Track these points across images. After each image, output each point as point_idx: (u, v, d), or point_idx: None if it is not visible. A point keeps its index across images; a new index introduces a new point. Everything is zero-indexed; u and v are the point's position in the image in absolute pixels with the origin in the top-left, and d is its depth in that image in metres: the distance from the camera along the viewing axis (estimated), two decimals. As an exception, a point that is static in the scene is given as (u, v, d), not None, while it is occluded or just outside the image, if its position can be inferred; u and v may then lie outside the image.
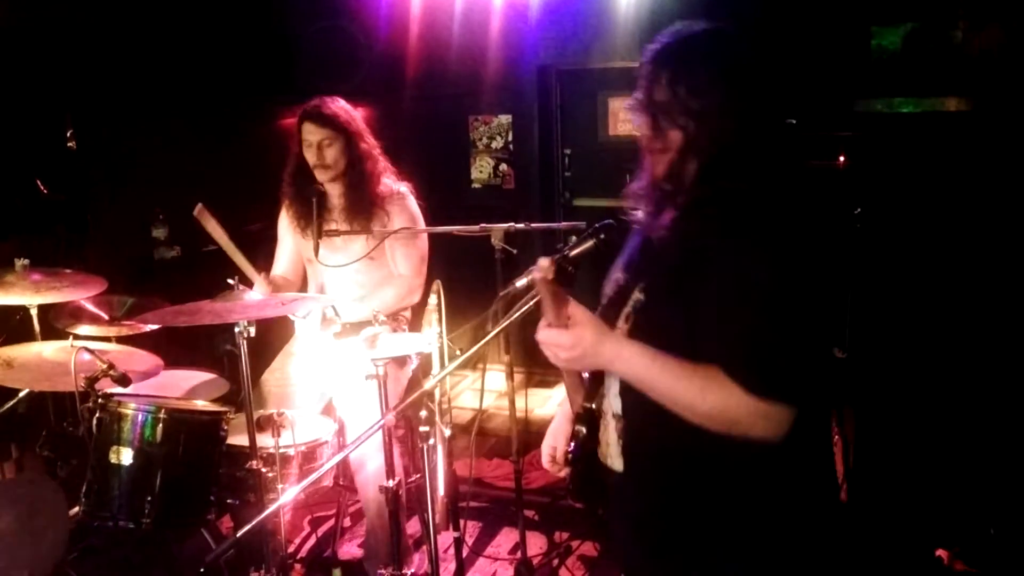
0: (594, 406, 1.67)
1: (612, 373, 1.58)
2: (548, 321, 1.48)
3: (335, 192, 3.14)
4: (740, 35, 1.55)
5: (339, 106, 3.14)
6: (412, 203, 3.19)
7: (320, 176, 3.08)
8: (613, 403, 1.63)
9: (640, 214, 1.65)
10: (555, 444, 1.89)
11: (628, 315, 1.58)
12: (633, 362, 1.46)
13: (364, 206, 3.08)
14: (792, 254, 1.44)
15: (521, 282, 1.93)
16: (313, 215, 2.98)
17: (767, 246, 1.43)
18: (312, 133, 3.06)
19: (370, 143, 3.18)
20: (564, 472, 1.84)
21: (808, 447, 1.54)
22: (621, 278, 1.67)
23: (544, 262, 1.50)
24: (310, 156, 3.08)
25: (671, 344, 1.46)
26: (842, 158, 3.84)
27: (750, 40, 1.55)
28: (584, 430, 1.67)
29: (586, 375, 1.71)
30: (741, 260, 1.42)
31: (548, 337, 1.49)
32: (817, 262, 1.48)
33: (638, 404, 1.52)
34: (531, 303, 1.73)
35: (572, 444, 1.69)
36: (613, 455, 1.63)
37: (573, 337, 1.46)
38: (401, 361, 3.12)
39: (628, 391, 1.55)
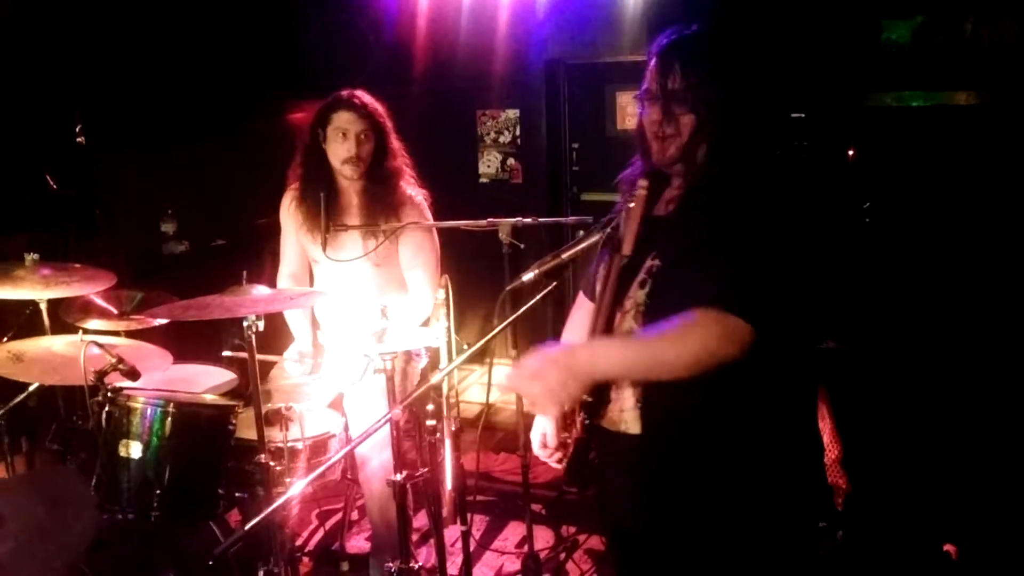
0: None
1: (600, 374, 1.64)
2: (627, 244, 1.68)
3: (354, 190, 3.04)
4: (747, 29, 1.71)
5: (372, 99, 3.03)
6: (429, 216, 3.08)
7: (349, 171, 2.96)
8: None
9: (633, 199, 1.76)
10: (544, 430, 1.92)
11: (643, 281, 1.67)
12: (611, 353, 1.59)
13: (383, 207, 2.98)
14: (788, 216, 1.62)
15: (528, 276, 1.94)
16: (322, 208, 2.90)
17: (768, 208, 1.60)
18: (350, 122, 2.93)
19: (397, 140, 3.09)
20: (555, 456, 1.91)
21: (795, 409, 1.71)
22: (622, 256, 1.73)
23: (643, 184, 1.73)
24: (343, 148, 2.94)
25: (685, 298, 1.55)
26: (851, 152, 3.83)
27: (756, 33, 1.69)
28: (590, 399, 1.70)
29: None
30: (745, 221, 1.58)
31: (519, 387, 1.62)
32: (810, 229, 1.63)
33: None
34: (537, 298, 1.75)
35: (582, 414, 1.73)
36: (629, 420, 1.69)
37: (541, 373, 1.55)
38: (409, 356, 3.12)
39: None
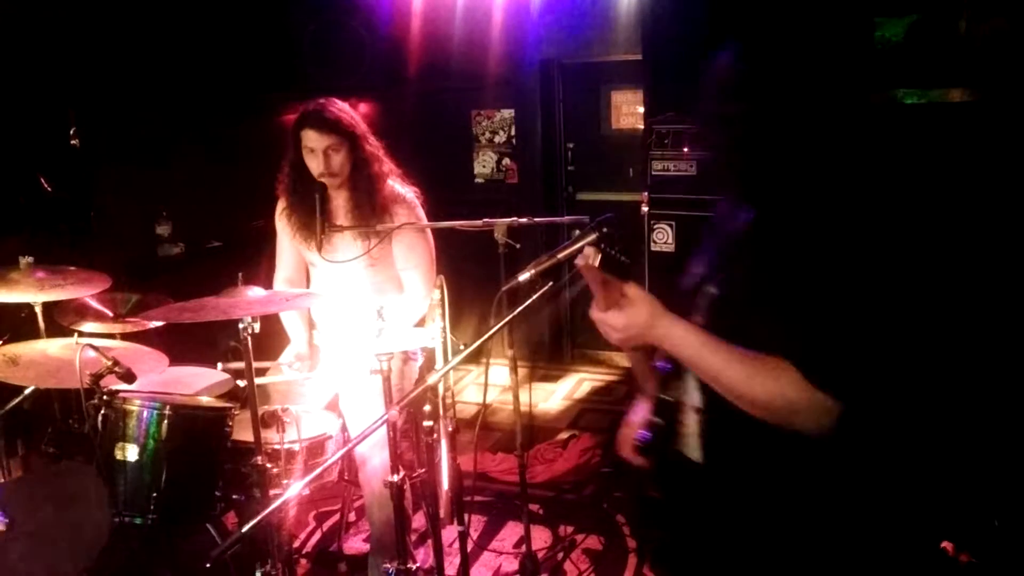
0: (671, 397, 1.69)
1: (668, 348, 1.59)
2: (598, 305, 1.54)
3: (340, 197, 3.04)
4: (802, 40, 1.65)
5: (340, 108, 3.00)
6: (421, 213, 3.08)
7: (327, 183, 2.96)
8: (693, 395, 1.65)
9: (719, 211, 1.70)
10: (631, 433, 1.87)
11: (702, 308, 1.61)
12: (683, 343, 1.50)
13: (370, 210, 2.98)
14: (875, 250, 1.46)
15: (524, 276, 1.94)
16: (317, 211, 2.91)
17: (847, 239, 1.44)
18: (315, 140, 2.92)
19: (374, 144, 3.06)
20: (639, 461, 1.84)
21: (887, 455, 1.56)
22: (697, 272, 1.69)
23: (589, 250, 1.58)
24: (314, 164, 2.94)
25: (744, 337, 1.47)
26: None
27: (811, 45, 1.64)
28: (661, 421, 1.68)
29: (660, 364, 1.71)
30: (819, 252, 1.44)
31: (601, 318, 1.54)
32: (908, 260, 1.49)
33: (721, 399, 1.53)
34: (533, 298, 1.74)
35: (643, 434, 1.70)
36: (692, 446, 1.65)
37: (626, 317, 1.51)
38: (406, 357, 3.12)
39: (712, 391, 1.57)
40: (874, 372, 1.44)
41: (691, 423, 1.65)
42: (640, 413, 1.87)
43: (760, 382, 1.43)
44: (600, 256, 1.58)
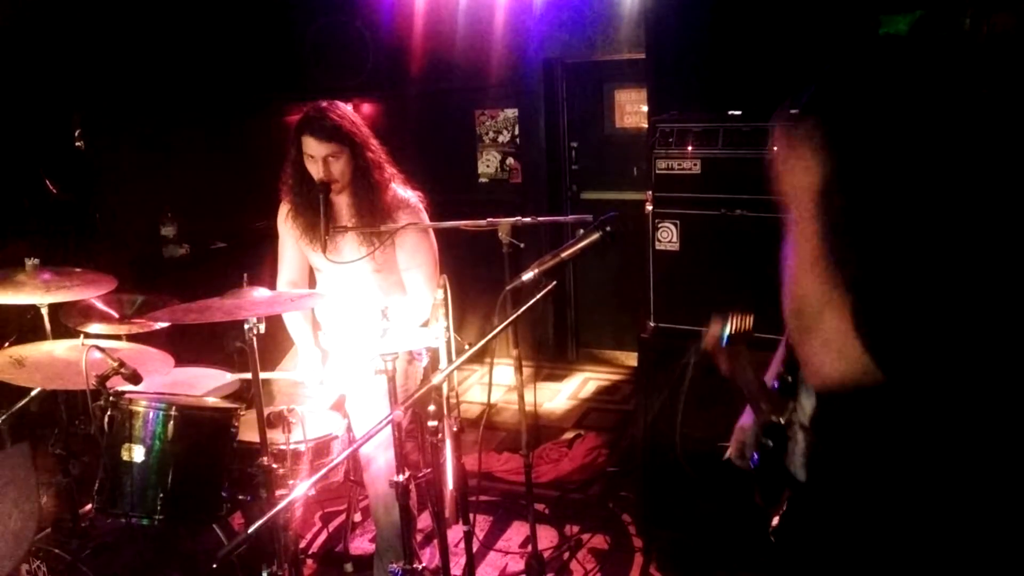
0: (783, 420, 1.69)
1: (807, 385, 1.59)
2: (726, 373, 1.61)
3: (343, 202, 3.02)
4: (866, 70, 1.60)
5: (341, 113, 2.95)
6: (424, 216, 3.06)
7: (330, 188, 2.94)
8: (803, 417, 1.65)
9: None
10: (742, 439, 1.90)
11: None
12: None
13: (372, 215, 2.96)
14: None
15: (528, 276, 1.94)
16: (321, 212, 2.91)
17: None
18: (315, 148, 2.89)
19: (376, 149, 3.03)
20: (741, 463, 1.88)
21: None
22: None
23: (715, 327, 1.65)
24: (315, 170, 2.92)
25: None
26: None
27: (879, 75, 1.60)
28: (771, 443, 1.69)
29: (774, 384, 1.73)
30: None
31: None
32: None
33: (830, 425, 1.53)
34: (537, 297, 1.74)
35: (756, 456, 1.72)
36: (797, 465, 1.66)
37: None
38: (410, 357, 3.12)
39: (823, 412, 1.56)
40: (922, 357, 1.41)
41: (798, 440, 1.65)
42: (750, 422, 1.87)
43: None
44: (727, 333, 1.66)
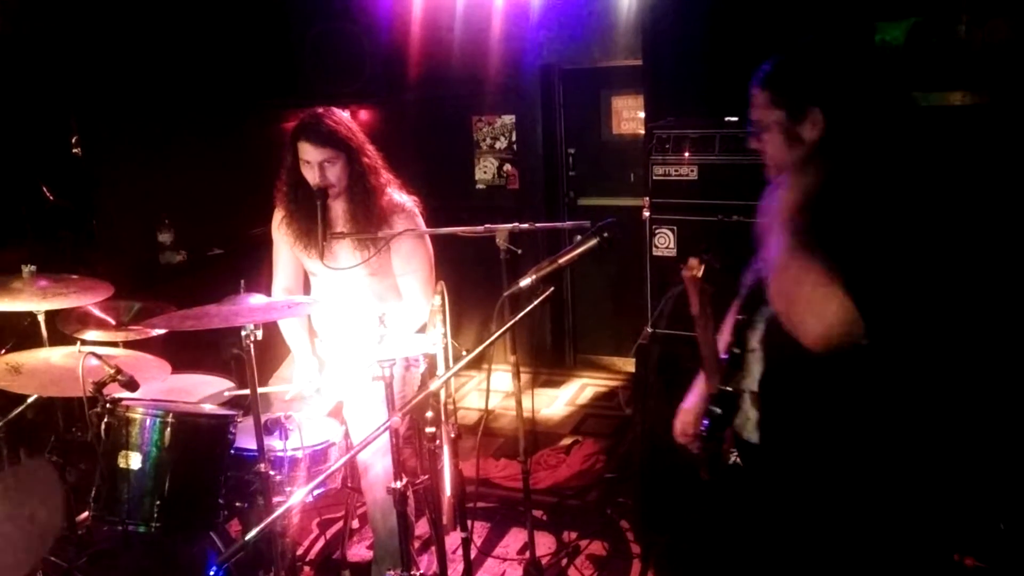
0: (731, 388, 1.82)
1: (754, 356, 1.75)
2: (695, 312, 1.71)
3: (339, 208, 3.02)
4: (839, 46, 1.76)
5: (337, 119, 2.95)
6: (420, 221, 3.06)
7: (326, 193, 2.93)
8: (751, 382, 1.79)
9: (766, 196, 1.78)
10: (687, 420, 2.02)
11: (762, 323, 1.75)
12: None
13: (368, 220, 2.95)
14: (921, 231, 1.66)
15: (525, 282, 1.94)
16: (319, 218, 2.90)
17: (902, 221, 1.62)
18: (311, 153, 2.88)
19: (372, 155, 3.03)
20: (695, 446, 1.99)
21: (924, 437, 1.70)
22: (753, 279, 1.82)
23: (692, 261, 1.76)
24: (310, 176, 2.92)
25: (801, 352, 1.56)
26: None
27: (850, 53, 1.76)
28: (719, 411, 1.82)
29: (724, 356, 1.86)
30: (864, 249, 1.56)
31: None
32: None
33: (777, 388, 1.70)
34: (535, 303, 1.76)
35: (706, 422, 1.85)
36: (750, 429, 1.79)
37: None
38: (407, 363, 3.11)
39: (769, 376, 1.73)
40: (899, 321, 1.58)
41: (749, 408, 1.78)
42: (694, 402, 2.00)
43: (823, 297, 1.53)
44: (703, 267, 1.76)
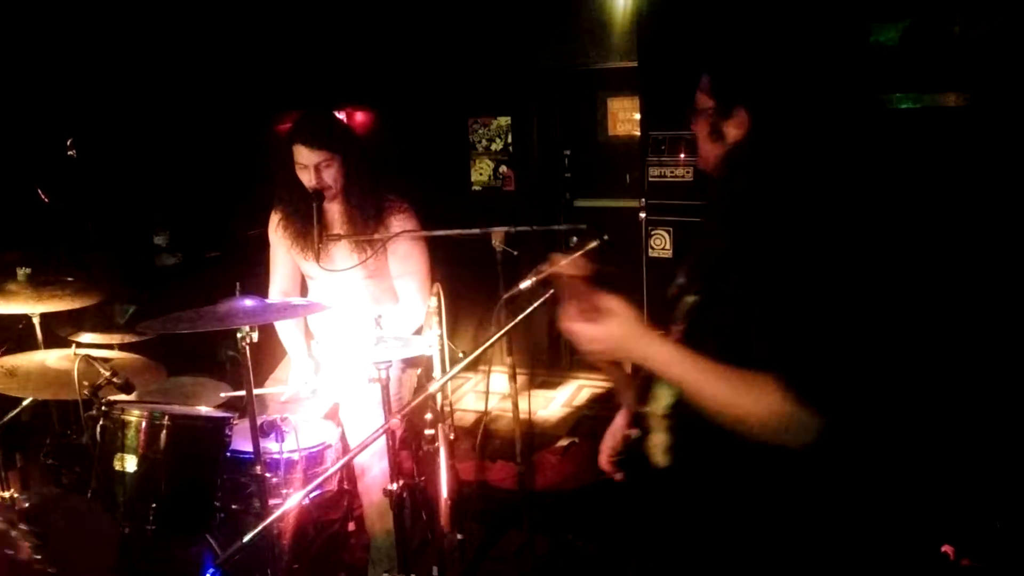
0: (644, 409, 1.70)
1: (652, 367, 1.58)
2: (569, 314, 1.52)
3: (335, 210, 3.02)
4: (777, 31, 1.65)
5: (332, 121, 2.97)
6: (416, 224, 3.05)
7: (322, 196, 2.92)
8: (659, 403, 1.66)
9: (704, 219, 1.69)
10: (607, 443, 1.92)
11: (684, 316, 1.61)
12: (668, 361, 1.47)
13: (364, 222, 2.96)
14: (860, 260, 1.42)
15: (525, 284, 1.94)
16: (314, 220, 2.90)
17: (827, 244, 1.41)
18: (306, 156, 2.88)
19: (367, 157, 3.04)
20: (619, 475, 1.87)
21: (863, 465, 1.53)
22: (682, 280, 1.69)
23: (557, 257, 1.58)
24: (306, 179, 2.91)
25: (723, 346, 1.46)
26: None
27: (787, 36, 1.65)
28: (637, 433, 1.69)
29: (635, 376, 1.73)
30: (797, 258, 1.41)
31: (576, 329, 1.51)
32: (889, 259, 1.46)
33: (685, 409, 1.53)
34: (535, 306, 1.74)
35: (622, 446, 1.74)
36: (658, 452, 1.66)
37: (602, 330, 1.48)
38: (404, 366, 3.11)
39: (680, 398, 1.57)
40: (859, 386, 1.41)
41: (658, 429, 1.66)
42: (618, 424, 1.89)
43: (745, 399, 1.41)
44: (575, 265, 1.58)
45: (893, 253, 1.49)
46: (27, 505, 2.25)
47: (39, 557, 1.99)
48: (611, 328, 1.47)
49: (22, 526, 2.09)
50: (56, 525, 2.08)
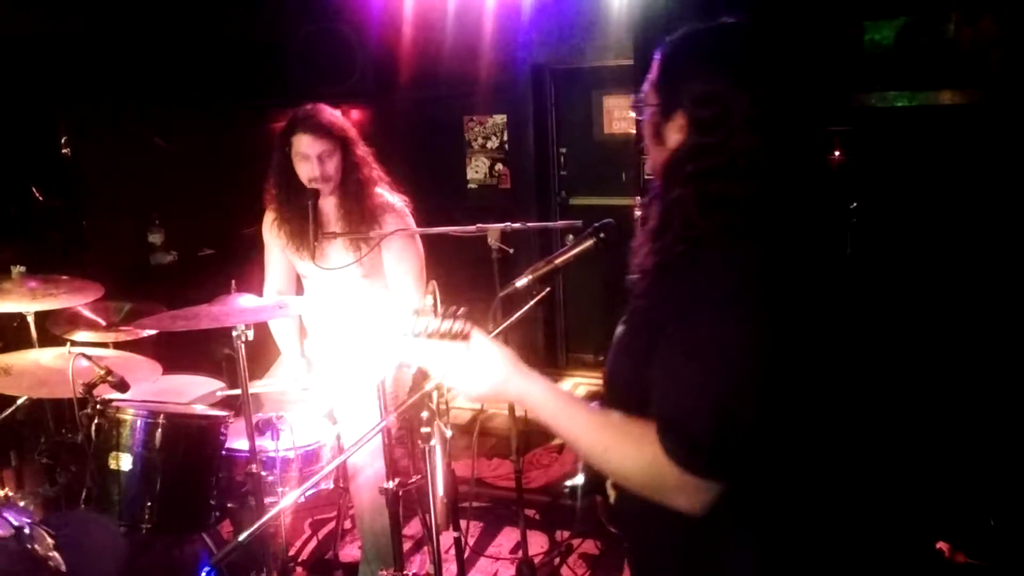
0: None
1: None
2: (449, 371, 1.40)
3: (330, 204, 3.01)
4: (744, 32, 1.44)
5: (332, 113, 2.97)
6: (410, 220, 3.06)
7: (317, 189, 2.92)
8: None
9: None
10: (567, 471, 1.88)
11: (611, 348, 1.51)
12: (540, 403, 1.37)
13: (360, 217, 2.95)
14: (764, 313, 1.27)
15: (521, 282, 1.93)
16: (310, 218, 2.89)
17: (733, 300, 1.27)
18: (309, 145, 2.87)
19: (364, 150, 3.04)
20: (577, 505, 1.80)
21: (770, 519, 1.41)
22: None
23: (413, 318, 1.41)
24: (307, 169, 2.90)
25: (624, 389, 1.40)
26: (837, 153, 3.85)
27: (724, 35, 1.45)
28: (575, 480, 1.65)
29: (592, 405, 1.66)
30: (701, 312, 1.27)
31: (455, 385, 1.41)
32: (798, 325, 1.31)
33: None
34: (531, 303, 1.73)
35: (575, 481, 1.68)
36: (609, 485, 1.60)
37: (480, 374, 1.38)
38: (399, 363, 3.11)
39: None
40: (754, 448, 1.26)
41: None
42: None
43: (617, 455, 1.31)
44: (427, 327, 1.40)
45: (810, 321, 1.35)
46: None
47: (55, 555, 2.00)
48: (486, 370, 1.37)
49: (40, 525, 2.09)
50: (67, 539, 2.09)
